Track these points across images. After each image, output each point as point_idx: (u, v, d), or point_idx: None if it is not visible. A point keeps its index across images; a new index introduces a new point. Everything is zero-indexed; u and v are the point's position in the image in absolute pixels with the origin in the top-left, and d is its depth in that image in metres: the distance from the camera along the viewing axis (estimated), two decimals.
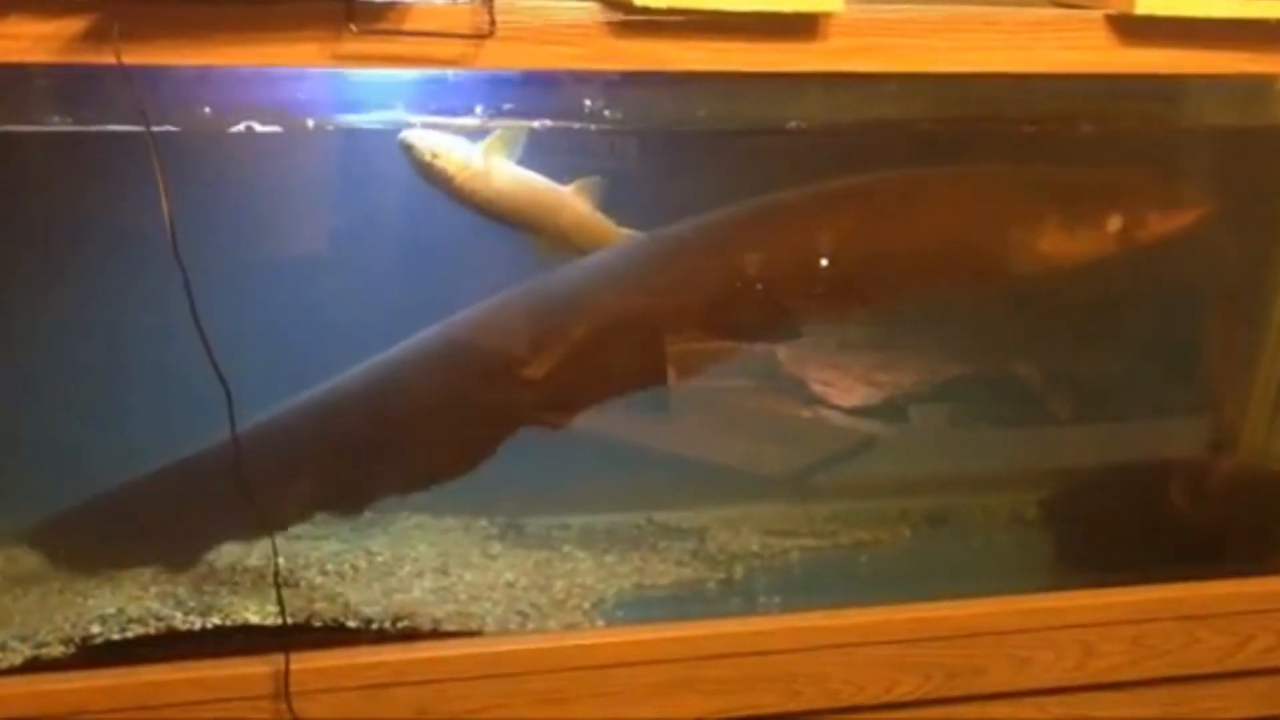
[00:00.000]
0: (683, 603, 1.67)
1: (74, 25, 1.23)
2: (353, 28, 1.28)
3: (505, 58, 1.33)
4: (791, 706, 1.54)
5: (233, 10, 1.26)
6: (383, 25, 1.29)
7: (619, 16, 1.34)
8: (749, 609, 1.67)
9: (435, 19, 1.31)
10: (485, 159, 1.51)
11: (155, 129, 1.28)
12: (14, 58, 1.22)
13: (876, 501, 1.96)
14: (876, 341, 2.06)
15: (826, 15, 1.38)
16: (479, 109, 1.51)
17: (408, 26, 1.30)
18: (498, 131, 1.52)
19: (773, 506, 1.92)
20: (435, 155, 1.51)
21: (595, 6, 1.34)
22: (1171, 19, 1.41)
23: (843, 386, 2.05)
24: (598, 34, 1.35)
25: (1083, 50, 1.44)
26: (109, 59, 1.23)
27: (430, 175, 1.51)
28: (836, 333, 2.03)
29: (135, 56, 1.24)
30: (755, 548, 1.81)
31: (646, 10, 1.32)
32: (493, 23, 1.32)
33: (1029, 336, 2.01)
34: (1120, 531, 1.80)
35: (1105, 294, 1.93)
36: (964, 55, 1.42)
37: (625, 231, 1.63)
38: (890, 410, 2.03)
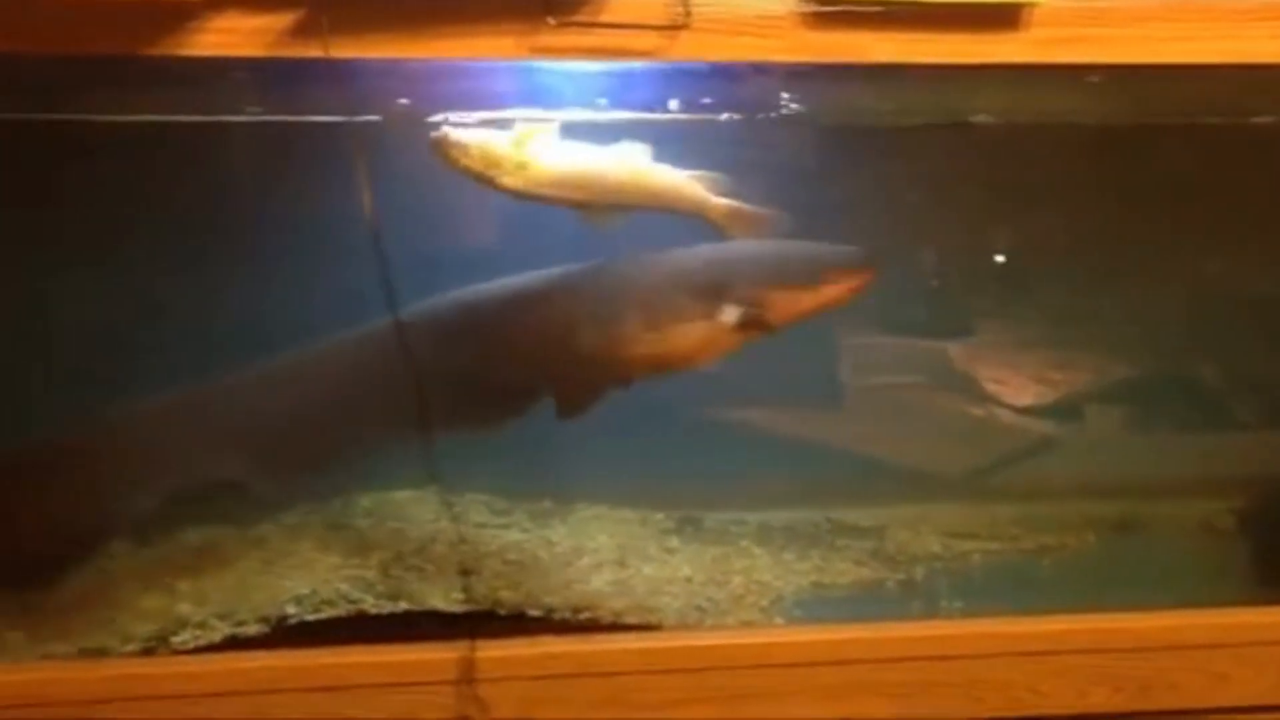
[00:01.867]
0: (861, 603, 1.64)
1: (284, 20, 1.27)
2: (550, 20, 1.30)
3: (699, 49, 1.34)
4: (974, 713, 1.50)
5: (435, 4, 1.28)
6: (579, 17, 1.31)
7: (814, 8, 1.33)
8: (930, 611, 1.63)
9: (630, 11, 1.31)
10: (527, 145, 1.44)
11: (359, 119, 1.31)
12: (229, 51, 1.27)
13: (1058, 505, 1.90)
14: (1051, 339, 2.01)
15: (1030, 5, 1.35)
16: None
17: (603, 18, 1.31)
18: (528, 126, 1.45)
19: (951, 507, 1.89)
20: (471, 151, 1.43)
21: None
22: None
23: (1015, 385, 2.00)
24: (792, 26, 1.34)
25: None
26: (317, 52, 1.26)
27: (472, 171, 1.43)
28: (1010, 330, 1.99)
29: (341, 50, 1.27)
30: (936, 549, 1.77)
31: (845, 1, 1.30)
32: (688, 14, 1.32)
33: (1212, 336, 1.95)
34: None
35: None
36: (1176, 46, 1.38)
37: (688, 174, 1.52)
38: (1066, 410, 1.98)
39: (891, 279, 1.92)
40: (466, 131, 1.42)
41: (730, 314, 1.54)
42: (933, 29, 1.35)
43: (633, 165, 1.48)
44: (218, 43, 1.26)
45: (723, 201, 1.51)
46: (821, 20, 1.34)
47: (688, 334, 1.55)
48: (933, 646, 1.50)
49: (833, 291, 1.56)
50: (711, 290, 1.55)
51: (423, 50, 1.29)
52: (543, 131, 1.44)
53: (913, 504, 1.89)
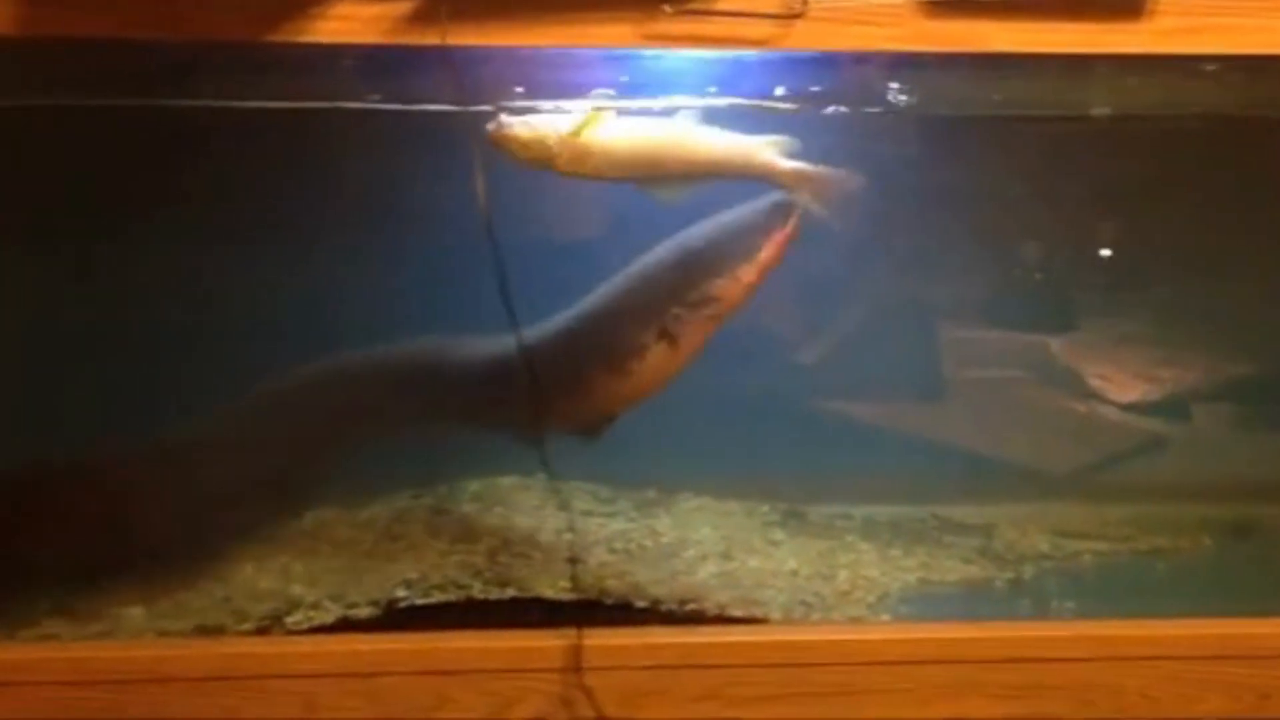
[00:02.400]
0: (969, 602, 1.62)
1: (403, 7, 1.28)
2: (667, 8, 1.29)
3: (815, 38, 1.33)
4: (1084, 716, 1.47)
5: None
6: (696, 5, 1.30)
7: None
8: (1040, 612, 1.61)
9: None
10: (585, 131, 1.41)
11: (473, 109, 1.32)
12: (349, 38, 1.28)
13: (1170, 506, 1.86)
14: (1158, 336, 1.96)
15: None
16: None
17: (720, 6, 1.31)
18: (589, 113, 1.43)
19: (1059, 505, 1.85)
20: (529, 143, 1.40)
21: None
22: None
23: (1120, 382, 1.96)
24: (911, 15, 1.33)
25: None
26: (435, 40, 1.27)
27: (535, 161, 1.41)
28: (1117, 326, 1.95)
29: (459, 38, 1.28)
30: (1045, 548, 1.74)
31: None
32: (805, 2, 1.31)
33: None
34: None
35: None
36: None
37: (757, 139, 1.47)
38: (1174, 408, 1.94)
39: (999, 273, 1.92)
40: (521, 121, 1.40)
41: (676, 325, 1.52)
42: (1054, 18, 1.33)
43: (695, 136, 1.45)
44: (338, 30, 1.28)
45: (792, 164, 1.47)
46: (941, 9, 1.32)
47: (652, 362, 1.54)
48: (1042, 648, 1.47)
49: (769, 254, 1.51)
50: (655, 310, 1.53)
51: (539, 38, 1.29)
52: (601, 119, 1.42)
53: (1020, 502, 1.86)
